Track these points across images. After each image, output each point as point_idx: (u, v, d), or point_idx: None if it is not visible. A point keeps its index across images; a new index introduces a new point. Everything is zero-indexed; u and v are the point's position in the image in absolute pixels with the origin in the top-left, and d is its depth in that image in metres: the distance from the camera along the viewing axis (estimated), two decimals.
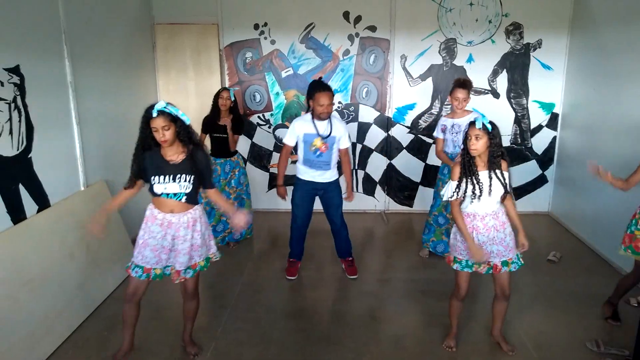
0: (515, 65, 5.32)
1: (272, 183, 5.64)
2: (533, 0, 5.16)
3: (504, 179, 2.70)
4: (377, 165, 5.65)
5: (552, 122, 5.48)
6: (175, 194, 2.57)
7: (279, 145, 3.90)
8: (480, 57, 5.29)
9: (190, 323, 2.96)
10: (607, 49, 4.48)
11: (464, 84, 3.91)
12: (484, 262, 2.76)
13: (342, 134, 3.79)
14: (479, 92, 5.39)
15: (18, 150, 3.07)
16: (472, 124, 2.62)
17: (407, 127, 5.52)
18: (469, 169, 2.66)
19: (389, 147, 5.57)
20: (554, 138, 5.52)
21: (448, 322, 3.10)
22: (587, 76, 4.87)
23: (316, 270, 4.19)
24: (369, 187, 5.74)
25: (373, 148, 5.59)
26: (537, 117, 5.47)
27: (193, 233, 2.65)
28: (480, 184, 2.66)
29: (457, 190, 2.70)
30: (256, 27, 5.27)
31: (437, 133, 4.10)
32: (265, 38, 5.30)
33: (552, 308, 3.57)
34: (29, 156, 3.17)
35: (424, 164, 5.58)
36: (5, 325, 2.70)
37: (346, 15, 5.23)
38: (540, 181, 5.64)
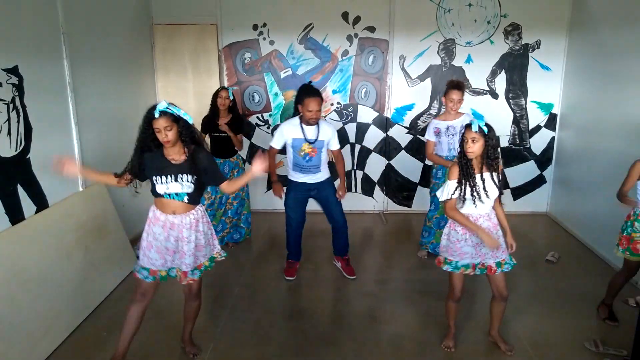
0: (514, 66, 5.33)
1: (271, 184, 5.62)
2: (532, 1, 5.17)
3: (499, 180, 2.71)
4: (375, 165, 5.65)
5: (551, 123, 5.49)
6: (177, 194, 2.56)
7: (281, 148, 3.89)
8: (479, 57, 5.30)
9: (191, 323, 2.96)
10: (606, 50, 4.49)
11: (458, 85, 3.90)
12: (494, 249, 2.72)
13: (330, 137, 3.79)
14: (478, 93, 5.39)
15: (16, 150, 3.07)
16: (468, 126, 2.62)
17: (405, 127, 5.52)
18: (466, 172, 2.67)
19: (388, 148, 5.58)
20: (553, 138, 5.53)
21: (446, 323, 3.10)
22: (586, 77, 4.88)
23: (315, 271, 4.19)
24: (368, 187, 5.74)
25: (372, 148, 5.60)
26: (536, 117, 5.48)
27: (196, 234, 2.65)
28: (478, 187, 2.66)
29: (456, 191, 2.70)
30: (255, 27, 5.27)
31: (429, 135, 4.04)
32: (264, 39, 5.30)
33: (550, 308, 3.57)
34: (28, 157, 3.17)
35: (422, 164, 5.58)
36: (4, 326, 2.70)
37: (345, 15, 5.24)
38: (538, 181, 5.64)
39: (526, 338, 3.19)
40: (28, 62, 3.14)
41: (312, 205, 4.01)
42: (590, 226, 4.68)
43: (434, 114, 5.40)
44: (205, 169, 2.61)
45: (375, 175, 5.70)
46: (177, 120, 2.47)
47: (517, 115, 5.47)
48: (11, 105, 3.00)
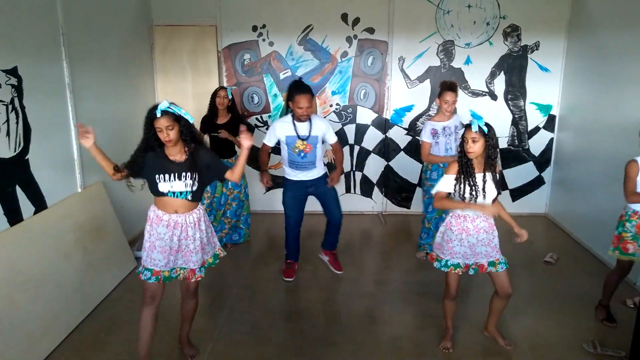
0: (513, 67, 5.33)
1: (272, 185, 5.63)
2: (531, 2, 5.18)
3: (499, 180, 2.72)
4: (374, 166, 5.65)
5: (549, 124, 5.49)
6: (180, 193, 2.57)
7: (276, 147, 3.90)
8: (478, 59, 5.30)
9: (188, 324, 2.96)
10: (605, 51, 4.50)
11: (452, 86, 3.92)
12: (494, 216, 2.73)
13: (325, 131, 3.79)
14: (477, 94, 5.40)
15: (15, 151, 3.07)
16: (468, 126, 2.63)
17: (404, 128, 5.52)
18: (466, 171, 2.68)
19: (387, 149, 5.58)
20: (551, 140, 5.53)
21: (445, 324, 3.11)
22: (585, 78, 4.89)
23: (313, 272, 4.19)
24: (367, 188, 5.74)
25: (371, 150, 5.60)
26: (535, 118, 5.49)
27: (199, 232, 2.66)
28: (477, 186, 2.67)
29: (451, 186, 2.71)
30: (254, 28, 5.28)
31: (426, 137, 4.02)
32: (264, 40, 5.30)
33: (548, 309, 3.57)
34: (26, 158, 3.18)
35: (421, 165, 5.58)
36: (3, 327, 2.70)
37: (344, 17, 5.24)
38: (537, 183, 5.65)
39: (524, 339, 3.19)
40: (27, 63, 3.14)
41: (311, 206, 4.01)
42: (588, 227, 4.68)
43: (433, 115, 5.39)
44: (208, 165, 2.62)
45: (374, 177, 5.70)
46: (178, 119, 2.48)
47: (516, 116, 5.48)
48: (10, 106, 3.00)
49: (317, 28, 5.26)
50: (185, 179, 2.56)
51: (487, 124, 2.63)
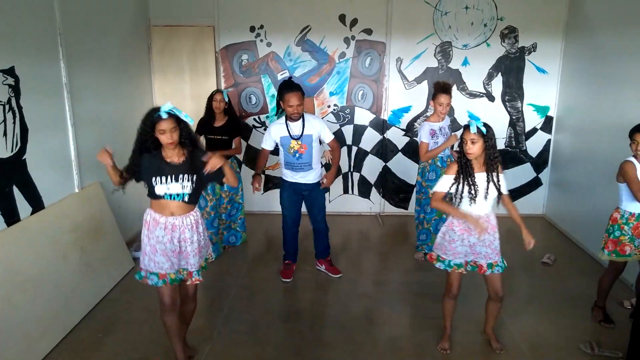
0: (510, 69, 5.35)
1: (268, 185, 5.64)
2: (528, 4, 5.19)
3: (499, 181, 2.72)
4: (372, 167, 5.66)
5: (547, 125, 5.51)
6: (177, 195, 2.57)
7: (277, 148, 3.89)
8: (476, 60, 5.32)
9: (186, 325, 2.95)
10: (602, 52, 4.51)
11: (446, 88, 3.93)
12: (482, 234, 2.73)
13: (319, 129, 3.77)
14: (474, 95, 5.41)
15: (12, 152, 3.06)
16: (466, 128, 2.63)
17: (402, 129, 5.53)
18: (465, 172, 2.68)
19: (385, 150, 5.59)
20: (549, 141, 5.55)
21: (443, 324, 3.11)
22: (582, 80, 4.90)
23: (311, 273, 4.19)
24: (365, 189, 5.74)
25: (368, 150, 5.61)
26: (532, 120, 5.50)
27: (197, 235, 2.66)
28: (476, 187, 2.67)
29: (450, 186, 2.71)
30: (252, 29, 5.27)
31: (425, 138, 4.03)
32: (261, 40, 5.30)
33: (546, 310, 3.58)
34: (23, 158, 3.16)
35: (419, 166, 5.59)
36: (0, 327, 2.69)
37: (342, 18, 5.25)
38: (534, 184, 5.67)
39: (522, 340, 3.20)
40: (25, 63, 3.13)
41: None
42: (586, 228, 4.69)
43: (429, 115, 5.40)
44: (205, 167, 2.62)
45: (372, 178, 5.70)
46: (179, 121, 2.49)
47: (514, 117, 5.49)
48: (7, 107, 2.99)
49: (315, 29, 5.26)
50: (182, 181, 2.56)
51: (485, 125, 2.63)
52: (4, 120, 2.97)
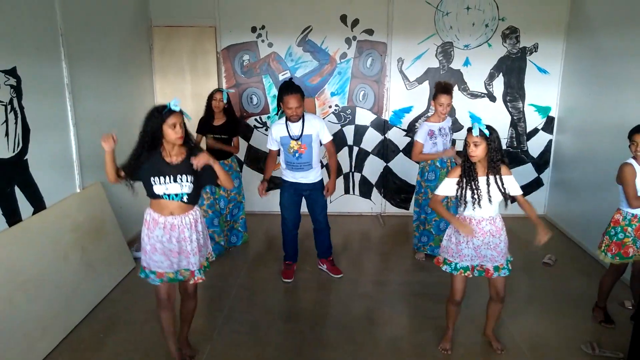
0: (512, 69, 5.35)
1: (268, 185, 5.61)
2: (530, 4, 5.19)
3: (503, 184, 2.69)
4: (373, 168, 5.66)
5: (548, 126, 5.50)
6: (176, 195, 2.57)
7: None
8: (477, 60, 5.31)
9: (187, 325, 2.95)
10: (603, 53, 4.51)
11: (446, 88, 3.92)
12: (470, 237, 2.73)
13: (319, 129, 3.76)
14: (476, 96, 5.41)
15: (14, 152, 3.06)
16: (469, 130, 2.62)
17: (403, 130, 5.53)
18: (469, 175, 2.67)
19: (386, 150, 5.58)
20: (550, 141, 5.54)
21: (444, 325, 3.11)
22: (583, 80, 4.90)
23: (312, 273, 4.19)
24: (366, 189, 5.74)
25: (370, 151, 5.60)
26: (533, 120, 5.50)
27: (196, 234, 2.66)
28: (479, 190, 2.66)
29: (451, 190, 2.71)
30: (253, 30, 5.28)
31: (421, 138, 4.03)
32: (263, 41, 5.31)
33: (547, 310, 3.58)
34: (25, 158, 3.17)
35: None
36: (1, 327, 2.70)
37: (343, 18, 5.25)
38: (535, 184, 5.66)
39: (523, 340, 3.19)
40: (26, 64, 3.14)
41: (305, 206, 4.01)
42: (587, 229, 4.69)
43: (430, 115, 5.40)
44: (203, 168, 2.61)
45: (373, 178, 5.70)
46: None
47: (515, 118, 5.49)
48: (9, 107, 3.00)
49: (316, 29, 5.26)
50: (181, 181, 2.56)
51: (489, 127, 2.60)
52: (6, 121, 2.97)
